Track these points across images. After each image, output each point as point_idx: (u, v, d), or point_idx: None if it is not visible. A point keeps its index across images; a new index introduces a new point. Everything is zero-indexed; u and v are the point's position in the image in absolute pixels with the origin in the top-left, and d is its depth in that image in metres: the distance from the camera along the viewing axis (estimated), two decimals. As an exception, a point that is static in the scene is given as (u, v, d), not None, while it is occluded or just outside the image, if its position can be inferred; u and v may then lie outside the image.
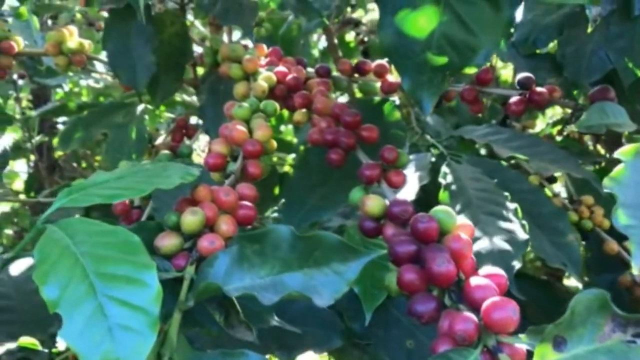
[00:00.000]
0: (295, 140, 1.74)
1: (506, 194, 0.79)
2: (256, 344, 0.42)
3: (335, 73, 0.83)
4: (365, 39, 1.90)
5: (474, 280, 0.40)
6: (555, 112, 1.68)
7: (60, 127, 1.86)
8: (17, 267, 0.75)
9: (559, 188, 1.16)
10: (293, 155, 1.58)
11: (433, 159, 0.88)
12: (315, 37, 2.14)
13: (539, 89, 0.68)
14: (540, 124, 1.60)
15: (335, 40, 1.66)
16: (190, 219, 0.47)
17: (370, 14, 1.91)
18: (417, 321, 0.40)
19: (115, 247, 0.39)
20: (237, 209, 0.52)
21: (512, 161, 1.08)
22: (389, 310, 0.57)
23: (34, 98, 1.88)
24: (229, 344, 0.44)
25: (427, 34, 0.46)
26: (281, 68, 0.79)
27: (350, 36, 1.93)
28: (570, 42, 0.92)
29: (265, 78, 0.76)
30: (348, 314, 0.59)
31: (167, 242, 0.47)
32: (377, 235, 0.49)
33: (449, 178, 0.82)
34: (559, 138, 1.29)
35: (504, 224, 0.74)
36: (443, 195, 0.78)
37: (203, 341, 0.52)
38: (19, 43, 0.91)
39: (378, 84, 0.79)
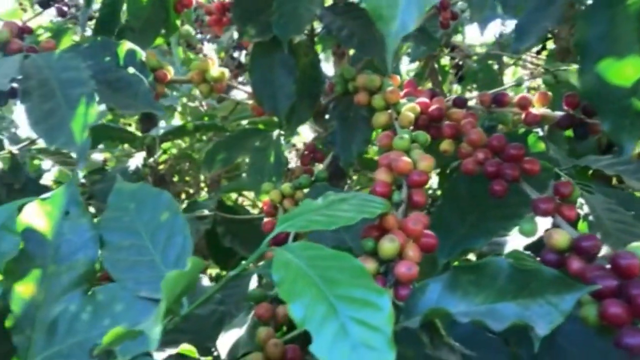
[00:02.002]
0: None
1: (646, 226, 0.79)
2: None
3: (470, 103, 0.86)
4: (460, 62, 1.92)
5: (685, 317, 0.42)
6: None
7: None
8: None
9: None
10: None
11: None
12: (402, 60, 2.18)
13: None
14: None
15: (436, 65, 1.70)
16: (389, 246, 0.51)
17: (466, 39, 1.94)
18: (627, 353, 0.42)
19: (345, 271, 0.44)
20: (421, 237, 0.55)
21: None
22: (555, 339, 0.59)
23: (143, 117, 2.01)
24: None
25: (632, 81, 0.49)
26: (423, 99, 0.83)
27: (445, 60, 1.96)
28: None
29: (410, 109, 0.80)
30: (513, 340, 0.61)
31: (367, 266, 0.51)
32: (559, 267, 0.52)
33: (585, 209, 0.83)
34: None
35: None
36: (582, 226, 0.79)
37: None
38: (170, 72, 0.99)
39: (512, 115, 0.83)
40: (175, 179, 2.24)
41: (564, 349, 0.59)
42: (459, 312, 0.43)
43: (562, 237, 0.51)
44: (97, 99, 0.67)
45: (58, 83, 0.70)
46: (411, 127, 0.79)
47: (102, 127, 1.37)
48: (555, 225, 0.56)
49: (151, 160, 1.43)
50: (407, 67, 2.47)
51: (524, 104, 0.79)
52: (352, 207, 0.51)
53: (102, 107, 0.78)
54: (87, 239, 0.57)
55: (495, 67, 1.90)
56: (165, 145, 2.00)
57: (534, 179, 0.67)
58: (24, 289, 0.55)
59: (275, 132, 1.06)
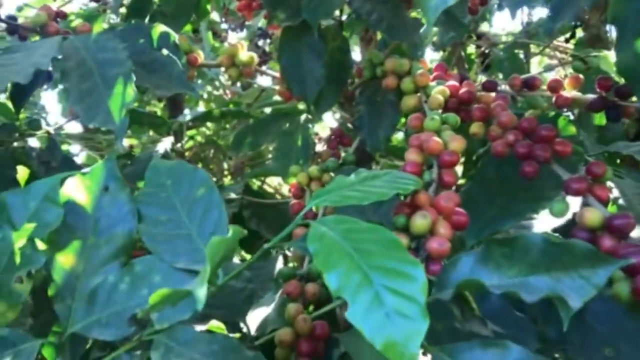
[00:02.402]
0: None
1: (675, 211, 0.78)
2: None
3: (501, 87, 0.86)
4: (487, 51, 1.91)
5: None
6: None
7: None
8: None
9: None
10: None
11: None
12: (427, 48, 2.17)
13: None
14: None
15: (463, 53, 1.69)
16: (421, 222, 0.52)
17: (493, 28, 1.92)
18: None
19: (378, 243, 0.45)
20: (452, 214, 0.56)
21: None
22: (584, 318, 0.59)
23: (169, 104, 2.04)
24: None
25: None
26: (453, 82, 0.83)
27: (471, 48, 1.95)
28: None
29: (440, 92, 0.80)
30: (541, 319, 0.61)
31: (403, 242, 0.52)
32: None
33: (615, 192, 0.83)
34: None
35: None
36: (612, 209, 0.79)
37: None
38: (201, 56, 1.01)
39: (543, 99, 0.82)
40: (200, 166, 2.28)
41: (592, 327, 0.59)
42: (492, 285, 0.43)
43: (594, 216, 0.51)
44: (134, 79, 0.69)
45: (95, 63, 0.72)
46: (440, 110, 0.79)
47: (131, 112, 1.39)
48: (586, 206, 0.56)
49: (178, 145, 1.45)
50: (431, 57, 2.47)
51: (556, 87, 0.78)
52: (384, 183, 0.52)
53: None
54: (125, 213, 0.59)
55: (522, 56, 1.88)
56: (190, 132, 2.03)
57: (565, 163, 0.67)
58: (65, 260, 0.57)
59: (303, 116, 1.07)
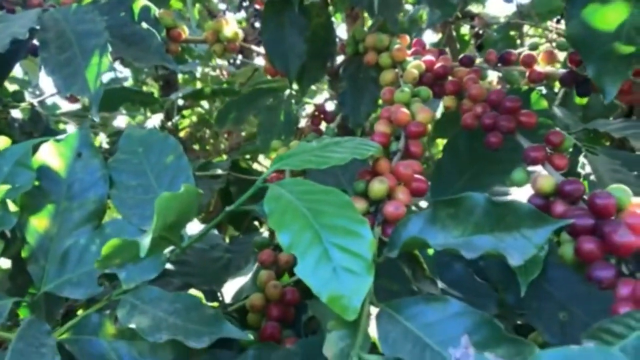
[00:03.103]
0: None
1: (648, 185, 0.80)
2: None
3: (477, 62, 0.87)
4: (480, 32, 1.90)
5: (656, 252, 0.43)
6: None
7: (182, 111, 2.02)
8: (190, 229, 0.86)
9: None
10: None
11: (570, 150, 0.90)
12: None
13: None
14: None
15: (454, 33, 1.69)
16: (378, 187, 0.54)
17: (486, 8, 1.91)
18: (596, 286, 0.44)
19: (331, 204, 0.46)
20: (412, 181, 0.58)
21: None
22: (541, 285, 0.61)
23: (164, 84, 2.05)
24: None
25: (616, 26, 0.50)
26: (429, 57, 0.84)
27: (465, 29, 1.94)
28: None
29: (415, 66, 0.81)
30: (501, 286, 0.63)
31: (357, 205, 0.54)
32: (545, 211, 0.53)
33: (587, 169, 0.84)
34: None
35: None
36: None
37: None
38: (185, 31, 1.02)
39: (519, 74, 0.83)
40: (197, 147, 2.29)
41: (549, 293, 0.61)
42: (437, 244, 0.45)
43: (547, 182, 0.52)
44: (109, 49, 0.70)
45: (74, 35, 0.73)
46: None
47: (122, 90, 1.41)
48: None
49: (169, 124, 1.46)
50: (432, 39, 2.46)
51: (529, 62, 0.79)
52: (345, 149, 0.53)
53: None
54: (97, 179, 0.61)
55: (517, 40, 1.88)
56: (185, 112, 2.04)
57: (534, 136, 0.68)
58: (39, 222, 0.59)
59: (287, 92, 1.08)
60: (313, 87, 1.24)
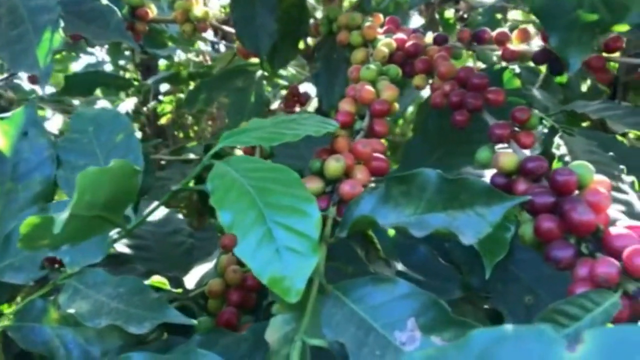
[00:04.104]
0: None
1: (622, 167, 0.78)
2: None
3: (452, 42, 0.84)
4: (465, 15, 1.87)
5: (615, 230, 0.41)
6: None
7: (161, 97, 1.99)
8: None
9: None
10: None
11: (545, 131, 0.88)
12: (411, 13, 2.14)
13: (671, 58, 0.67)
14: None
15: (437, 16, 1.66)
16: (334, 165, 0.51)
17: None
18: (554, 267, 0.42)
19: (278, 181, 0.44)
20: (372, 160, 0.55)
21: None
22: (507, 267, 0.59)
23: (143, 68, 2.01)
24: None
25: None
26: (400, 35, 0.81)
27: (449, 13, 1.91)
28: None
29: (385, 44, 0.79)
30: (465, 268, 0.61)
31: (312, 184, 0.51)
32: (508, 190, 0.51)
33: (563, 149, 0.82)
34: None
35: (621, 196, 0.74)
36: (557, 165, 0.78)
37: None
38: (153, 10, 0.99)
39: (495, 54, 0.81)
40: (181, 135, 2.26)
41: (516, 275, 0.59)
42: (387, 223, 0.43)
43: (509, 159, 0.50)
44: (62, 24, 0.67)
45: (27, 10, 0.70)
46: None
47: (95, 74, 1.38)
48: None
49: (145, 109, 1.43)
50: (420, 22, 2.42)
51: (502, 40, 0.77)
52: (300, 126, 0.51)
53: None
54: (44, 159, 0.58)
55: (503, 23, 1.85)
56: (167, 98, 2.00)
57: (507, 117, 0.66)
58: (-19, 204, 0.56)
59: (258, 73, 1.05)
60: (293, 71, 1.21)
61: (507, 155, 0.50)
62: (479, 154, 0.57)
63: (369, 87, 0.65)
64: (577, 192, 0.45)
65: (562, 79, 1.08)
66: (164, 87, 2.00)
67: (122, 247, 0.77)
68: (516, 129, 0.57)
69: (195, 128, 2.22)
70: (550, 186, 0.45)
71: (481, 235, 0.41)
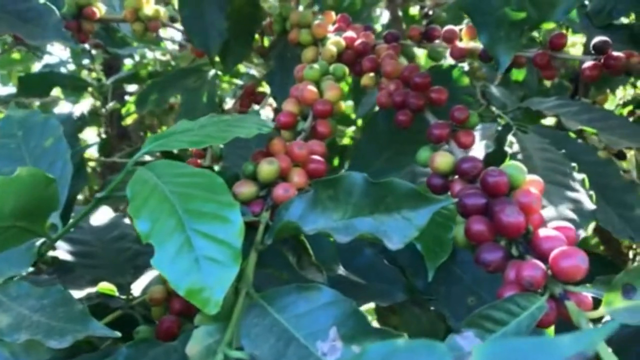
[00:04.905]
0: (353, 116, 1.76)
1: (573, 164, 0.78)
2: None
3: (403, 41, 0.84)
4: (430, 12, 1.87)
5: (543, 232, 0.40)
6: (625, 94, 1.62)
7: (128, 97, 1.95)
8: (97, 218, 0.81)
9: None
10: (353, 128, 1.60)
11: (499, 128, 0.88)
12: (377, 11, 2.13)
13: (615, 53, 0.66)
14: (609, 106, 1.55)
15: (400, 13, 1.66)
16: (267, 168, 0.50)
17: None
18: (483, 269, 0.41)
19: (201, 187, 0.42)
20: (309, 162, 0.54)
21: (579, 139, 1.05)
22: (450, 268, 0.58)
23: (106, 68, 1.97)
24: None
25: None
26: (350, 33, 0.80)
27: (414, 10, 1.91)
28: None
29: (334, 43, 0.77)
30: (410, 271, 0.60)
31: (245, 189, 0.50)
32: (445, 191, 0.50)
33: (515, 147, 0.82)
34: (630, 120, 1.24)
35: (571, 194, 0.74)
36: (508, 163, 0.78)
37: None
38: (101, 9, 0.96)
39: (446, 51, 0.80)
40: (148, 136, 2.22)
41: (459, 277, 0.58)
42: (314, 228, 0.41)
43: (444, 160, 0.49)
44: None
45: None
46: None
47: (50, 74, 1.34)
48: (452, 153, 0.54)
49: (103, 110, 1.40)
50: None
51: (450, 37, 0.76)
52: (231, 127, 0.49)
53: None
54: (-33, 166, 0.56)
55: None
56: (132, 99, 1.96)
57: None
58: None
59: (211, 72, 1.03)
60: (243, 69, 1.19)
61: (443, 156, 0.50)
62: (419, 155, 0.56)
63: (312, 87, 0.63)
64: (509, 193, 0.45)
65: (518, 76, 1.08)
66: (133, 87, 1.96)
67: (65, 254, 0.75)
68: (455, 127, 0.56)
69: (164, 128, 2.19)
70: (481, 187, 0.44)
71: (407, 240, 0.40)
